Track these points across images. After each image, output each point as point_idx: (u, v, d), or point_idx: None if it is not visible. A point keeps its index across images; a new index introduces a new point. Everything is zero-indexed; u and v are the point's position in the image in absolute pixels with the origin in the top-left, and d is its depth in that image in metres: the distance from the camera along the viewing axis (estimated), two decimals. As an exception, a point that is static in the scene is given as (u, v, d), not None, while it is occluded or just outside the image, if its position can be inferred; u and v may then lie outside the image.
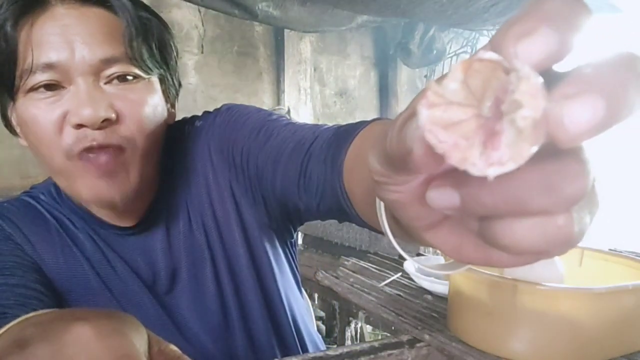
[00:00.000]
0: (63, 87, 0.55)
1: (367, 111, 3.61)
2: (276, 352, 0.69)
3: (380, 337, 0.63)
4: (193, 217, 0.66)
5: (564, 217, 0.19)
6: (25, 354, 0.26)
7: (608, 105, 0.16)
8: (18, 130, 0.60)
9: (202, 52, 2.92)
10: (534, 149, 0.17)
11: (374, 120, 0.48)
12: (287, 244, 0.74)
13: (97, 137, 0.54)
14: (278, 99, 3.23)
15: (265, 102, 3.19)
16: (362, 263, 1.04)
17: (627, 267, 0.65)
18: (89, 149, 0.54)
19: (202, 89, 2.93)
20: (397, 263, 1.02)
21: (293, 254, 0.75)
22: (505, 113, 0.17)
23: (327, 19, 2.75)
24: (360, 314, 0.80)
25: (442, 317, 0.69)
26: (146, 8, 0.61)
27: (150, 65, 0.58)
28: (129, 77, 0.57)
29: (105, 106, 0.54)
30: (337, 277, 0.94)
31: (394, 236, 0.29)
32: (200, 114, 0.71)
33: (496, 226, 0.19)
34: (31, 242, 0.62)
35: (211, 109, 0.71)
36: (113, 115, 0.54)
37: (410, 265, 0.87)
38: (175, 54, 0.64)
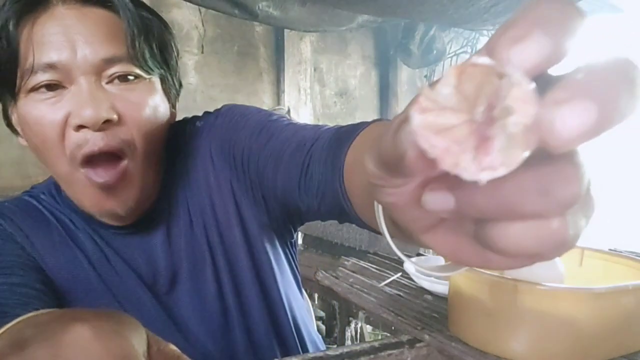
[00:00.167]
0: (64, 87, 0.55)
1: (367, 111, 3.61)
2: (276, 352, 0.69)
3: (380, 337, 0.63)
4: (194, 216, 0.67)
5: (558, 220, 0.19)
6: (24, 355, 0.26)
7: (600, 110, 0.16)
8: (19, 129, 0.60)
9: (202, 52, 2.92)
10: (526, 154, 0.17)
11: (374, 121, 0.48)
12: (287, 244, 0.74)
13: (98, 141, 0.54)
14: (278, 99, 3.23)
15: (265, 102, 3.19)
16: (362, 263, 1.04)
17: (627, 267, 0.65)
18: (90, 157, 0.54)
19: (202, 89, 2.93)
20: (397, 263, 1.02)
21: (293, 254, 0.75)
22: (497, 119, 0.17)
23: (328, 19, 2.75)
24: (360, 314, 0.80)
25: (442, 317, 0.69)
26: (147, 8, 0.61)
27: (151, 65, 0.58)
28: (130, 77, 0.56)
29: (106, 107, 0.53)
30: (337, 277, 0.94)
31: (393, 237, 0.29)
32: (200, 114, 0.71)
33: (491, 229, 0.20)
34: (32, 242, 0.62)
35: (211, 109, 0.71)
36: (114, 116, 0.54)
37: (410, 265, 0.87)
38: (176, 54, 0.64)
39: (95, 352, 0.27)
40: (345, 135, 0.48)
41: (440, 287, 0.78)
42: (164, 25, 0.63)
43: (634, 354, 0.57)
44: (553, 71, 0.18)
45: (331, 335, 2.14)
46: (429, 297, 0.79)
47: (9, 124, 0.61)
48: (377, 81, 3.66)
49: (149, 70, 0.58)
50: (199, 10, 2.79)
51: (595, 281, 0.66)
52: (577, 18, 0.18)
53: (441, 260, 0.85)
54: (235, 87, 3.08)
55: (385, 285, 0.87)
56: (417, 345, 0.62)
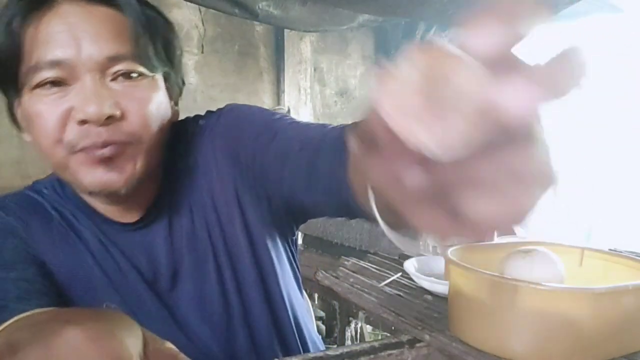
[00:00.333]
0: (69, 84, 0.55)
1: (367, 111, 3.61)
2: (277, 351, 0.69)
3: (380, 337, 0.63)
4: (196, 214, 0.67)
5: (518, 193, 0.21)
6: (17, 358, 0.26)
7: (544, 90, 0.18)
8: (23, 125, 0.60)
9: (202, 52, 2.92)
10: (478, 132, 0.18)
11: None
12: (289, 242, 0.74)
13: (101, 134, 0.55)
14: (278, 99, 3.23)
15: (265, 102, 3.19)
16: (362, 263, 1.04)
17: (627, 267, 0.65)
18: (92, 146, 0.55)
19: (202, 88, 2.93)
20: (397, 263, 1.02)
21: (294, 253, 0.76)
22: (450, 98, 0.18)
23: (328, 19, 2.75)
24: (360, 314, 0.80)
25: (442, 317, 0.69)
26: (151, 6, 0.61)
27: (155, 63, 0.59)
28: (134, 75, 0.57)
29: (110, 103, 0.54)
30: (337, 277, 0.94)
31: (390, 225, 0.31)
32: (200, 113, 0.72)
33: (462, 203, 0.22)
34: (35, 236, 0.62)
35: (211, 109, 0.71)
36: (118, 113, 0.55)
37: (410, 265, 0.87)
38: (179, 52, 0.65)
39: (88, 355, 0.27)
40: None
41: (440, 287, 0.78)
42: (167, 24, 0.63)
43: (634, 354, 0.57)
44: (512, 56, 0.20)
45: (331, 335, 2.14)
46: (429, 297, 0.79)
47: (14, 121, 0.62)
48: (377, 81, 3.66)
49: (152, 69, 0.59)
50: (199, 9, 2.79)
51: (595, 281, 0.66)
52: (533, 7, 0.19)
53: (441, 261, 0.85)
54: (236, 86, 3.08)
55: (385, 285, 0.87)
56: (417, 345, 0.62)
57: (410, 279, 0.88)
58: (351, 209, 0.50)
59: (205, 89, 2.94)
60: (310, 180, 0.54)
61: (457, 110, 0.18)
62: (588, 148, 3.40)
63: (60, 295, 0.60)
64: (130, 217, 0.64)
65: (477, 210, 0.21)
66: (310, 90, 3.38)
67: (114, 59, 0.55)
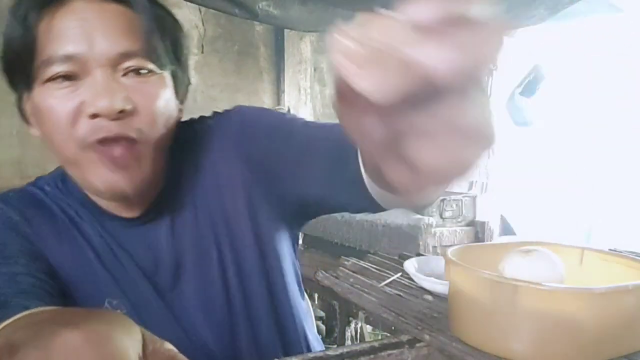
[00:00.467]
0: (80, 79, 0.56)
1: (367, 111, 3.61)
2: (278, 349, 0.69)
3: (380, 337, 0.63)
4: (200, 211, 0.67)
5: (458, 146, 0.25)
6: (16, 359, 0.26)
7: (457, 54, 0.22)
8: (32, 120, 0.61)
9: (202, 52, 2.92)
10: (405, 81, 0.23)
11: None
12: (292, 242, 0.75)
13: (112, 128, 0.55)
14: (278, 99, 3.23)
15: (265, 102, 3.19)
16: (362, 263, 1.04)
17: (627, 267, 0.65)
18: (103, 140, 0.56)
19: (202, 88, 2.93)
20: (397, 263, 1.02)
21: (296, 253, 0.76)
22: (384, 53, 0.22)
23: (328, 19, 2.75)
24: (360, 314, 0.80)
25: (442, 317, 0.69)
26: (160, 5, 0.63)
27: (164, 60, 0.60)
28: (144, 71, 0.58)
29: (122, 97, 0.55)
30: (337, 277, 0.94)
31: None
32: (200, 114, 0.72)
33: (410, 150, 0.26)
34: (38, 232, 0.62)
35: (212, 109, 0.72)
36: (129, 107, 0.56)
37: (410, 265, 0.87)
38: (186, 51, 0.66)
39: (85, 358, 0.27)
40: None
41: (440, 287, 0.78)
42: (176, 23, 0.65)
43: (634, 354, 0.57)
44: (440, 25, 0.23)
45: (331, 335, 2.14)
46: (429, 297, 0.79)
47: (22, 114, 0.62)
48: (377, 81, 3.66)
49: (161, 66, 0.60)
50: (199, 9, 2.79)
51: (595, 281, 0.66)
52: None
53: (441, 261, 0.85)
54: (236, 86, 3.08)
55: (385, 285, 0.87)
56: (417, 345, 0.62)
57: (410, 279, 0.88)
58: (374, 206, 0.53)
59: (205, 89, 2.94)
60: (330, 177, 0.57)
61: (388, 62, 0.22)
62: (588, 148, 3.40)
63: (62, 290, 0.60)
64: (132, 213, 0.64)
65: (423, 160, 0.26)
66: (310, 90, 3.38)
67: (125, 55, 0.56)
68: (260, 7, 2.46)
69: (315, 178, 0.60)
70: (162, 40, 0.60)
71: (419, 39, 0.22)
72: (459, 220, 2.67)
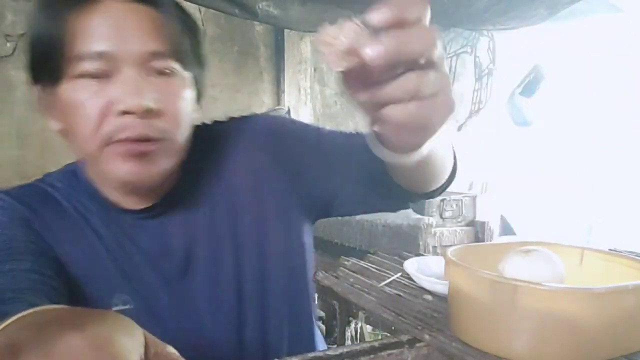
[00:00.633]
0: (109, 76, 0.57)
1: (367, 111, 3.60)
2: (284, 345, 0.70)
3: (380, 337, 0.63)
4: (218, 207, 0.69)
5: (423, 110, 0.39)
6: None
7: (390, 48, 0.35)
8: (53, 112, 0.62)
9: (202, 52, 2.92)
10: (345, 63, 0.37)
11: None
12: (311, 238, 0.78)
13: (138, 127, 0.57)
14: (278, 99, 3.23)
15: (265, 102, 3.19)
16: (362, 263, 1.04)
17: (627, 267, 0.65)
18: (127, 140, 0.57)
19: (202, 88, 2.92)
20: (397, 263, 1.02)
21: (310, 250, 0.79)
22: (348, 46, 0.36)
23: (328, 19, 2.74)
24: (360, 314, 0.80)
25: (442, 317, 0.69)
26: (182, 8, 0.65)
27: (188, 61, 0.62)
28: (169, 72, 0.60)
29: (151, 97, 0.57)
30: (337, 277, 0.94)
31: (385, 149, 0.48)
32: (201, 114, 0.73)
33: (384, 110, 0.39)
34: (47, 227, 0.63)
35: (212, 109, 0.73)
36: (158, 106, 0.58)
37: (410, 265, 0.87)
38: (205, 53, 0.69)
39: None
40: None
41: (440, 287, 0.78)
42: (196, 26, 0.66)
43: (634, 354, 0.57)
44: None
45: (331, 335, 2.14)
46: (429, 297, 0.79)
47: (41, 108, 0.63)
48: (377, 81, 3.65)
49: (186, 67, 0.62)
50: (199, 9, 2.79)
51: (595, 281, 0.66)
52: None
53: (441, 260, 0.85)
54: (236, 86, 3.08)
55: (385, 285, 0.87)
56: (417, 345, 0.62)
57: (410, 279, 0.88)
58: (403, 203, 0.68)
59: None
60: (357, 178, 0.66)
61: (350, 53, 0.37)
62: (588, 148, 3.40)
63: (71, 286, 0.61)
64: (143, 205, 0.66)
65: (392, 117, 0.39)
66: (310, 90, 3.38)
67: (154, 55, 0.58)
68: (260, 7, 2.46)
69: (345, 179, 0.68)
70: (187, 41, 0.62)
71: (366, 38, 0.36)
72: (459, 220, 2.67)
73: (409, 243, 2.33)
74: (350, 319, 1.71)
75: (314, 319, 0.75)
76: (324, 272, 0.96)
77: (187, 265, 0.67)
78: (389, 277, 0.91)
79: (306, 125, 0.76)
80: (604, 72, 3.24)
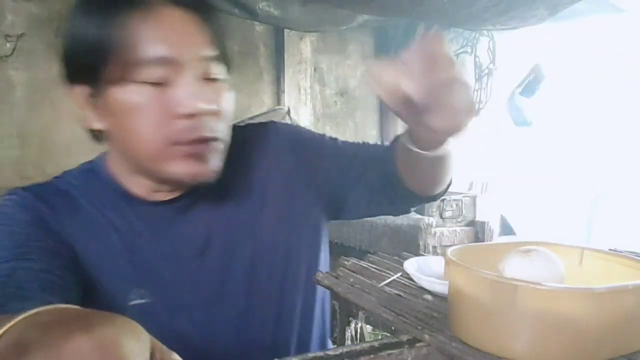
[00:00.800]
0: (169, 80, 0.60)
1: (367, 111, 3.61)
2: (290, 343, 0.71)
3: (380, 337, 0.63)
4: (242, 202, 0.72)
5: (453, 114, 0.53)
6: None
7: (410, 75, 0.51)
8: (98, 113, 0.63)
9: (202, 52, 2.92)
10: (395, 99, 0.53)
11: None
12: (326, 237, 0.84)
13: (204, 128, 0.61)
14: (278, 99, 3.23)
15: (265, 102, 3.19)
16: (362, 263, 1.04)
17: (627, 267, 0.65)
18: (189, 141, 0.61)
19: (202, 88, 2.92)
20: (397, 263, 1.02)
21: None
22: (390, 82, 0.53)
23: (328, 19, 2.75)
24: (360, 314, 0.80)
25: (442, 317, 0.69)
26: (220, 18, 0.69)
27: (230, 66, 0.67)
28: (217, 77, 0.64)
29: (214, 99, 0.61)
30: (337, 277, 0.94)
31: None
32: None
33: (428, 118, 0.53)
34: (67, 224, 0.64)
35: None
36: (220, 108, 0.62)
37: (410, 265, 0.87)
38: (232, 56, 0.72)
39: None
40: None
41: (440, 287, 0.78)
42: (225, 31, 0.70)
43: (634, 354, 0.57)
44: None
45: (331, 335, 2.14)
46: (429, 297, 0.79)
47: (80, 109, 0.64)
48: (377, 81, 3.65)
49: (228, 72, 0.67)
50: (199, 10, 2.79)
51: (595, 281, 0.66)
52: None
53: (441, 260, 0.85)
54: (236, 86, 3.06)
55: (385, 285, 0.87)
56: (417, 345, 0.62)
57: (410, 279, 0.88)
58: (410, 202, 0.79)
59: (205, 89, 2.94)
60: (367, 184, 0.74)
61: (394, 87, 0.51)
62: (588, 148, 3.40)
63: (88, 282, 0.62)
64: (171, 197, 0.68)
65: (436, 124, 0.53)
66: (310, 90, 3.38)
67: (209, 60, 0.62)
68: (260, 7, 2.46)
69: (356, 183, 0.75)
70: (229, 47, 0.67)
71: (404, 75, 0.50)
72: (459, 220, 2.67)
73: (409, 243, 2.33)
74: (350, 319, 1.71)
75: (326, 325, 0.78)
76: (323, 272, 0.96)
77: (201, 253, 0.69)
78: (389, 277, 0.90)
79: (321, 134, 0.83)
80: (604, 72, 3.24)
